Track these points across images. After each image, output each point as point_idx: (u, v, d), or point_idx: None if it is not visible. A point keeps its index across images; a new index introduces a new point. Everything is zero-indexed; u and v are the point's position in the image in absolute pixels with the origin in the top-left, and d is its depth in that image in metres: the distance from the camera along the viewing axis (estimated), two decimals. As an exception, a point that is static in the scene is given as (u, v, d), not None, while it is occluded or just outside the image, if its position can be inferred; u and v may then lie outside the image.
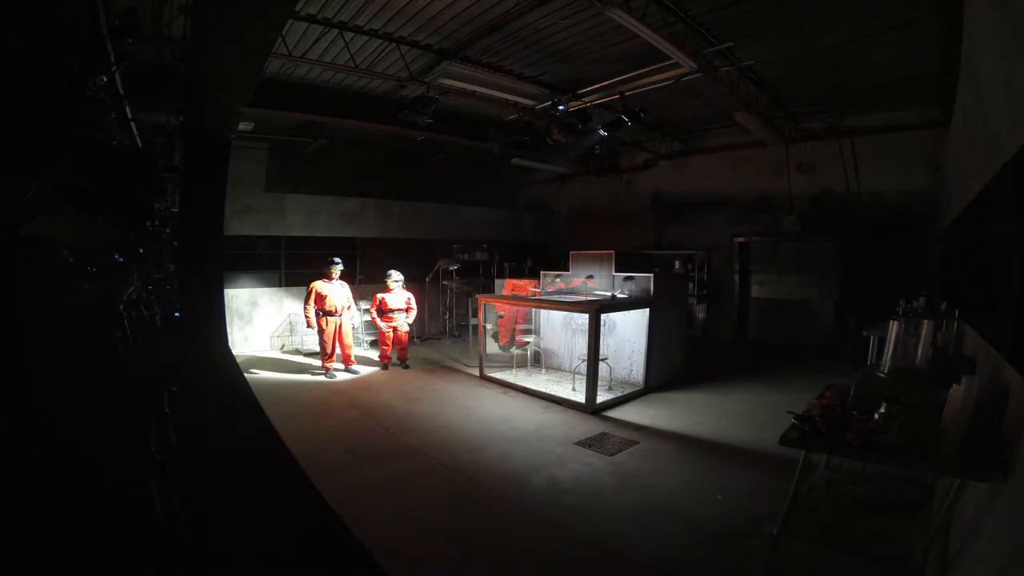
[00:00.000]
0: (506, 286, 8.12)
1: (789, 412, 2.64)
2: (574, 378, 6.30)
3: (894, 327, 4.84)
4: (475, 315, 9.70)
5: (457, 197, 13.03)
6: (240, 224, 8.95)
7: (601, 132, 7.82)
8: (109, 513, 1.44)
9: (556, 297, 6.72)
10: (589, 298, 5.94)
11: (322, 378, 7.07)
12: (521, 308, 7.39)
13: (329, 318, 7.04)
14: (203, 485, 1.98)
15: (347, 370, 7.26)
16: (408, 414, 5.49)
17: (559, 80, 7.38)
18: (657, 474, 3.98)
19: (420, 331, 10.67)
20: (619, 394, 6.01)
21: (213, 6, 2.58)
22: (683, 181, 11.08)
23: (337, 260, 7.31)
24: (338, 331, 7.12)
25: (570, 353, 7.05)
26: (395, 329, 7.61)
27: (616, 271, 6.68)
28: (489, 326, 7.39)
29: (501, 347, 7.66)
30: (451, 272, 10.73)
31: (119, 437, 1.58)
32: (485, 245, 11.80)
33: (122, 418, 1.61)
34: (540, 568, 2.79)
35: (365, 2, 5.26)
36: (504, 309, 7.63)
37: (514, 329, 7.55)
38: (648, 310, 6.18)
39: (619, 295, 6.31)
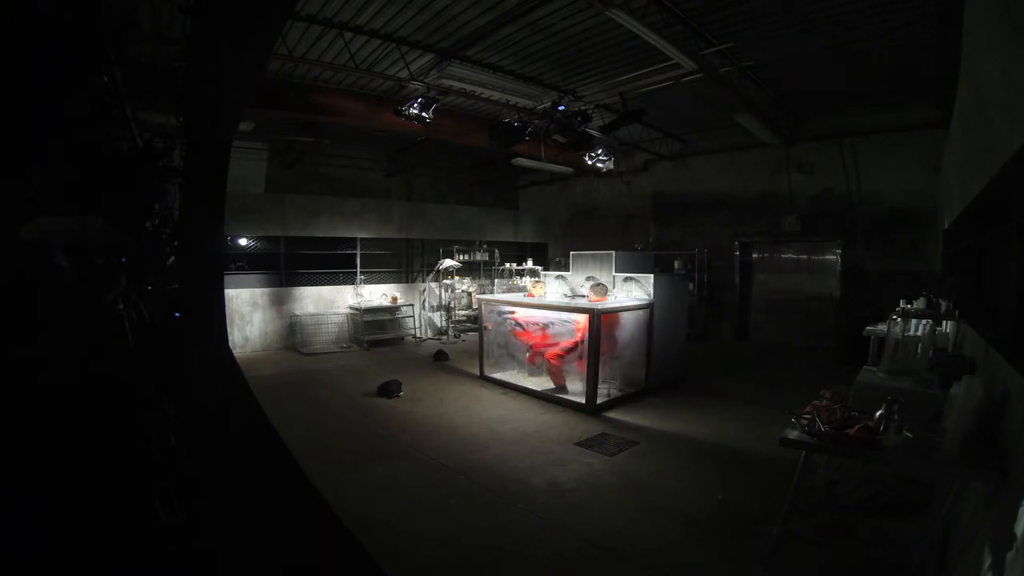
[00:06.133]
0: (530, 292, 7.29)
1: (789, 412, 2.64)
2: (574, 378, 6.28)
3: (894, 327, 4.85)
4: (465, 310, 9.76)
5: (457, 197, 13.05)
6: (240, 224, 8.96)
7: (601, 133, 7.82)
8: (109, 513, 1.44)
9: (557, 301, 6.68)
10: (597, 304, 5.84)
11: (324, 379, 7.08)
12: (551, 325, 6.56)
13: None
14: (203, 485, 1.98)
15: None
16: (408, 414, 5.49)
17: (560, 80, 7.38)
18: (657, 474, 3.98)
19: (421, 332, 10.69)
20: (619, 394, 6.01)
21: (213, 6, 2.58)
22: (683, 181, 11.09)
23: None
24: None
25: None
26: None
27: (616, 271, 6.67)
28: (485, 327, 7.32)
29: (530, 366, 6.82)
30: (451, 272, 10.74)
31: (119, 437, 1.58)
32: (485, 245, 11.81)
33: (122, 418, 1.61)
34: (541, 568, 2.79)
35: (365, 2, 5.27)
36: (524, 331, 6.80)
37: (544, 353, 6.52)
38: (648, 311, 6.18)
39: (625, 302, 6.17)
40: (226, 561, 1.73)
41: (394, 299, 10.43)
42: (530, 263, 11.33)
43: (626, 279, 6.51)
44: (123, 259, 1.80)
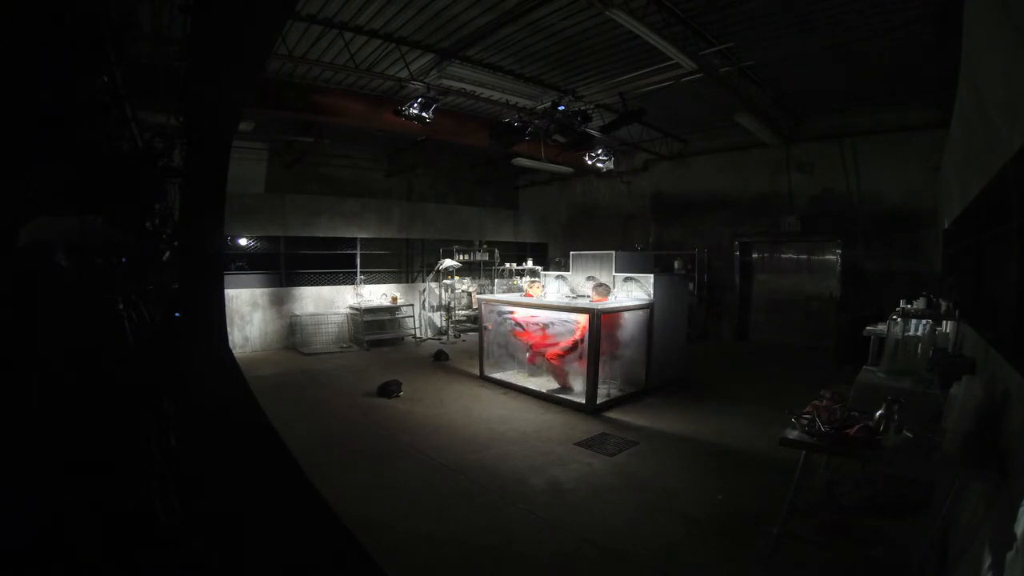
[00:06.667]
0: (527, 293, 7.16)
1: (789, 412, 2.64)
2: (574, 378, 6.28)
3: (894, 327, 4.85)
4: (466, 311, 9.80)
5: (457, 197, 13.05)
6: (240, 224, 8.96)
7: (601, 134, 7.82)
8: (109, 514, 1.44)
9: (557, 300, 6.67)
10: (597, 304, 5.84)
11: (324, 379, 7.08)
12: (551, 325, 6.45)
13: None
14: (203, 485, 1.98)
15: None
16: (408, 414, 5.49)
17: (560, 80, 7.38)
18: (657, 474, 3.98)
19: (421, 332, 10.69)
20: (620, 394, 6.01)
21: (213, 6, 2.58)
22: (683, 181, 11.09)
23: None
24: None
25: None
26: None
27: (616, 271, 6.67)
28: (488, 325, 7.31)
29: (530, 366, 6.78)
30: (451, 272, 10.74)
31: (119, 438, 1.58)
32: (485, 245, 11.81)
33: (122, 419, 1.61)
34: (541, 568, 2.79)
35: (365, 2, 5.27)
36: (524, 331, 6.73)
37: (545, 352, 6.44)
38: (648, 311, 6.18)
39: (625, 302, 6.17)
40: (226, 561, 1.73)
41: (394, 299, 10.44)
42: (530, 263, 11.33)
43: (626, 279, 6.51)
44: (123, 259, 1.80)
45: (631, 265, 6.90)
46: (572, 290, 6.92)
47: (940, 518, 2.29)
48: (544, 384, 6.42)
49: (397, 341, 10.11)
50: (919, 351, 4.31)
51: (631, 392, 6.10)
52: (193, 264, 2.71)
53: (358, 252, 10.44)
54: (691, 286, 10.20)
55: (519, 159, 10.07)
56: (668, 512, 3.35)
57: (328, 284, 10.10)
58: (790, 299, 9.93)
